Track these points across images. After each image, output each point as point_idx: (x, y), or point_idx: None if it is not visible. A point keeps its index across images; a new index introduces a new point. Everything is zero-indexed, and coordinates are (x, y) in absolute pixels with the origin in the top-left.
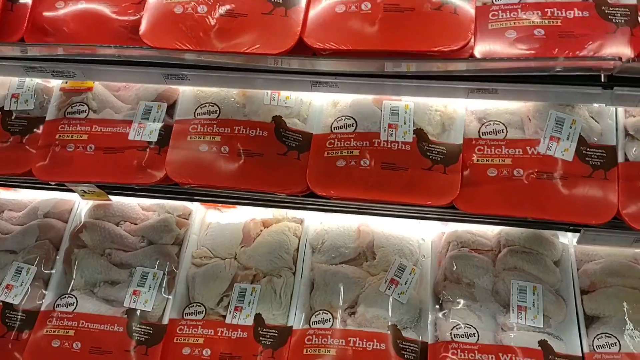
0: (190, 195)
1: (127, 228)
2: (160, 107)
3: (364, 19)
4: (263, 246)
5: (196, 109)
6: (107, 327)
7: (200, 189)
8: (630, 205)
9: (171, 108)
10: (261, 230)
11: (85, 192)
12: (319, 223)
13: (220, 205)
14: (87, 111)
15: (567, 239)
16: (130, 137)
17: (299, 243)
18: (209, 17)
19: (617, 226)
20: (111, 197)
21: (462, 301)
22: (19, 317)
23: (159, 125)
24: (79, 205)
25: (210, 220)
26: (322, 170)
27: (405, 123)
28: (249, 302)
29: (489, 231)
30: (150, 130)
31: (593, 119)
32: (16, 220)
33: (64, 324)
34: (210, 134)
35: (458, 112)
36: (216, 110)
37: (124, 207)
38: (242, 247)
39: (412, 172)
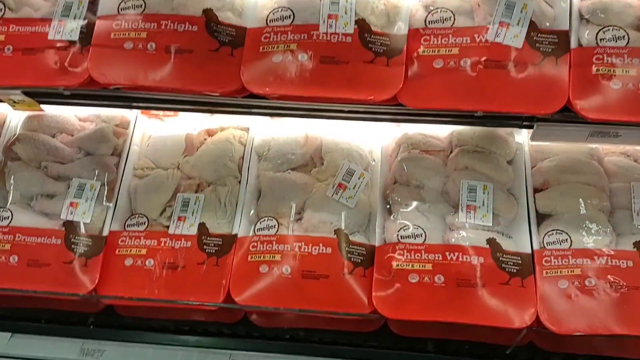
0: (127, 101)
1: (63, 139)
2: (81, 2)
3: None
4: (207, 155)
5: (120, 4)
6: (44, 240)
7: (132, 92)
8: (582, 94)
9: (93, 4)
10: (205, 139)
11: (14, 102)
12: (265, 130)
13: (161, 114)
14: (3, 10)
15: (522, 138)
16: (50, 37)
17: (244, 151)
18: None
19: (571, 119)
20: (44, 106)
21: (410, 203)
22: None
23: (80, 22)
24: (11, 118)
25: (151, 131)
26: (258, 67)
27: (346, 13)
28: (193, 212)
29: (441, 132)
30: (70, 29)
31: (546, 2)
32: None
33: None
34: (135, 30)
35: (403, 0)
36: (141, 4)
37: (59, 118)
38: (185, 156)
39: (354, 66)
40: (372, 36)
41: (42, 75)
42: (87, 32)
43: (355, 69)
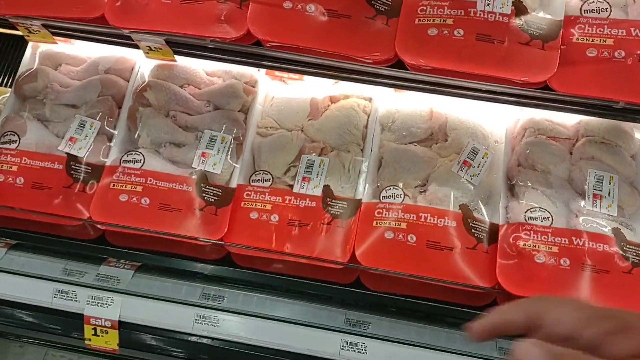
0: (259, 59)
1: (190, 92)
2: None
3: None
4: (331, 120)
5: None
6: (175, 186)
7: (271, 51)
8: None
9: None
10: (328, 105)
11: (151, 49)
12: (389, 102)
13: (286, 77)
14: None
15: None
16: None
17: (367, 120)
18: None
19: None
20: (177, 57)
21: (536, 186)
22: (84, 169)
23: None
24: (140, 65)
25: (274, 93)
26: (412, 38)
27: None
28: (317, 174)
29: (568, 121)
30: None
31: None
32: (75, 75)
33: (132, 179)
34: None
35: None
36: None
37: (188, 70)
38: (309, 119)
39: (509, 46)
40: (528, 18)
41: (201, 25)
42: None
43: (510, 49)
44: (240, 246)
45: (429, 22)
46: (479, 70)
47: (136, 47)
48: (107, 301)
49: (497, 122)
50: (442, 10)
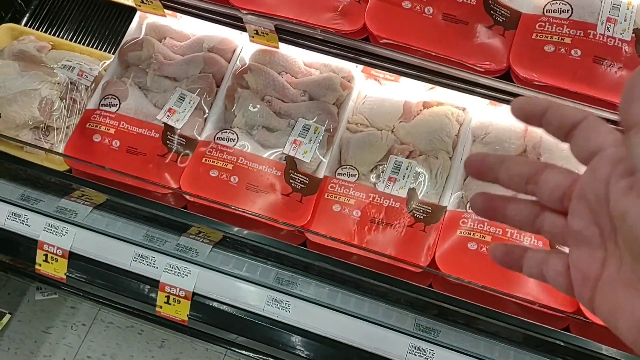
0: (359, 54)
1: (287, 79)
2: None
3: None
4: (423, 125)
5: None
6: (264, 169)
7: (374, 46)
8: None
9: None
10: (421, 110)
11: (257, 33)
12: (483, 114)
13: (381, 76)
14: None
15: None
16: None
17: (460, 129)
18: None
19: None
20: (280, 44)
21: None
22: (177, 140)
23: None
24: (242, 47)
25: (368, 91)
26: (527, 51)
27: (625, 20)
28: (404, 176)
29: None
30: None
31: None
32: (178, 50)
33: (224, 157)
34: None
35: None
36: None
37: (288, 58)
38: (400, 121)
39: (625, 73)
40: None
41: (319, 15)
42: None
43: (626, 76)
44: (322, 235)
45: (546, 39)
46: (592, 92)
47: (242, 29)
48: (184, 271)
49: None
50: (561, 29)
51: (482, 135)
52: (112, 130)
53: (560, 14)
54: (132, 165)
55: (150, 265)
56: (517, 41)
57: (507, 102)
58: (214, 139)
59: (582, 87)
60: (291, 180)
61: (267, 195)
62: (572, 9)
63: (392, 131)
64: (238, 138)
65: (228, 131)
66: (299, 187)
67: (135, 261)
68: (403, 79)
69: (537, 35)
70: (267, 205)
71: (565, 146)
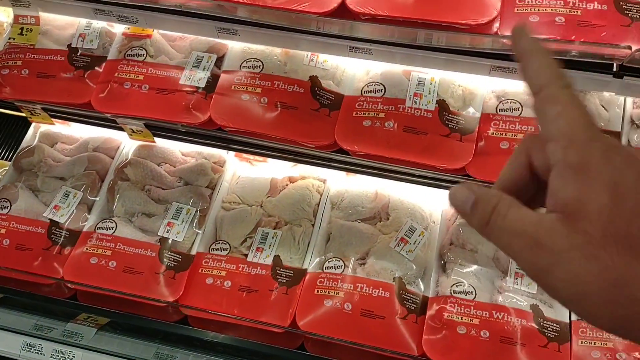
0: (227, 143)
1: (166, 169)
2: (210, 57)
3: None
4: (287, 198)
5: (242, 63)
6: (140, 251)
7: (236, 136)
8: None
9: (220, 60)
10: (287, 185)
11: (133, 131)
12: (340, 183)
13: (252, 159)
14: (144, 55)
15: None
16: (181, 82)
17: (320, 199)
18: None
19: None
20: (156, 139)
21: (464, 263)
22: (63, 234)
23: (207, 73)
24: (125, 144)
25: (241, 172)
26: (349, 127)
27: (429, 93)
28: (270, 245)
29: None
30: (199, 77)
31: (603, 107)
32: (67, 152)
33: (103, 244)
34: (252, 85)
35: (479, 89)
36: (260, 66)
37: (165, 150)
38: (268, 196)
39: (431, 137)
40: (449, 115)
41: (171, 112)
42: (212, 82)
43: (432, 140)
44: (190, 307)
45: (364, 115)
46: (404, 157)
47: (122, 129)
48: (69, 355)
49: (436, 204)
50: (377, 106)
51: (338, 202)
52: (2, 231)
53: (375, 93)
54: (19, 261)
55: (37, 353)
56: (340, 119)
57: (356, 172)
58: (95, 229)
59: (395, 153)
60: (164, 259)
61: (141, 275)
62: (384, 88)
63: (261, 206)
64: (117, 226)
65: (108, 220)
66: (172, 265)
67: (24, 350)
68: (270, 159)
69: (356, 113)
70: (143, 285)
71: (410, 205)
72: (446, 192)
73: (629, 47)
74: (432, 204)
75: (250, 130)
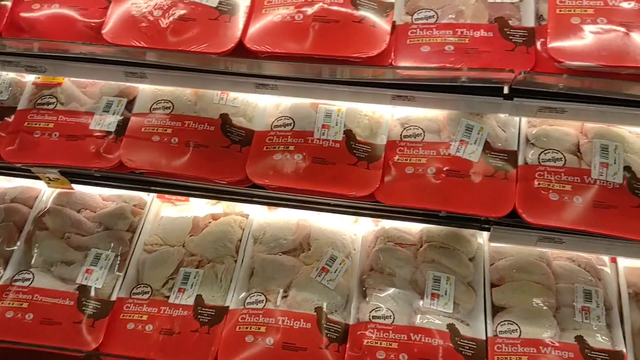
0: (146, 185)
1: (87, 215)
2: (120, 101)
3: (297, 28)
4: (209, 235)
5: (152, 105)
6: (59, 301)
7: (155, 178)
8: (525, 203)
9: (131, 103)
10: (209, 222)
11: (50, 179)
12: (262, 217)
13: (174, 199)
14: (55, 103)
15: (483, 239)
16: (92, 127)
17: (242, 234)
18: (162, 19)
19: (520, 225)
20: (75, 185)
21: (383, 288)
22: None
23: (118, 117)
24: (44, 193)
25: (164, 213)
26: (260, 162)
27: (337, 124)
28: (192, 285)
29: (413, 229)
30: (109, 122)
31: (500, 128)
32: None
33: (19, 297)
34: (163, 126)
35: (384, 117)
36: (170, 107)
37: (85, 196)
38: (190, 236)
39: (339, 167)
40: (356, 144)
41: (81, 157)
42: (122, 125)
43: (340, 170)
44: (109, 355)
45: (274, 149)
46: (314, 187)
47: (40, 178)
48: None
49: (356, 231)
50: (286, 139)
51: (260, 236)
52: None
53: (285, 127)
54: None
55: None
56: (251, 155)
57: (275, 205)
58: (11, 282)
59: (306, 184)
60: (83, 308)
61: (59, 326)
62: (294, 121)
63: (183, 245)
64: (34, 277)
65: (25, 272)
66: (91, 313)
67: None
68: (192, 198)
69: (267, 148)
70: (61, 335)
71: (331, 233)
72: (365, 219)
73: (512, 71)
74: (353, 231)
75: (161, 171)
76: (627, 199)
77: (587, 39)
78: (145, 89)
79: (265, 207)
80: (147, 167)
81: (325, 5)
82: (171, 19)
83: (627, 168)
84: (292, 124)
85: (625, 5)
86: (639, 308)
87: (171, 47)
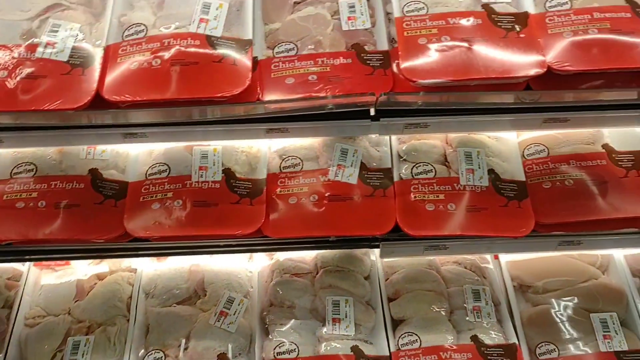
0: (20, 255)
1: None
2: None
3: (156, 73)
4: (97, 298)
5: (12, 170)
6: None
7: (25, 247)
8: (406, 216)
9: None
10: (95, 284)
11: None
12: (152, 269)
13: (53, 264)
14: None
15: (375, 256)
16: None
17: (132, 290)
18: (9, 80)
19: (405, 238)
20: None
21: (285, 322)
22: None
23: None
24: None
25: (43, 281)
26: (139, 214)
27: (214, 164)
28: (83, 354)
29: (307, 256)
30: None
31: (374, 148)
32: None
33: None
34: (27, 191)
35: (262, 151)
36: (33, 169)
37: None
38: (75, 301)
39: (222, 207)
40: (236, 182)
41: None
42: None
43: (223, 210)
44: None
45: (152, 198)
46: (199, 232)
47: None
48: None
49: (251, 269)
50: (163, 186)
51: (152, 289)
52: None
53: (161, 174)
54: None
55: None
56: (128, 208)
57: (166, 255)
58: None
59: (190, 230)
60: None
61: None
62: (169, 167)
63: (69, 313)
64: None
65: None
66: None
67: None
68: (72, 261)
69: (144, 198)
70: None
71: (225, 275)
72: (259, 255)
73: (373, 94)
74: (248, 268)
75: (31, 238)
76: (495, 199)
77: (435, 57)
78: (3, 154)
79: (154, 258)
80: (14, 237)
81: (182, 48)
82: (18, 78)
83: (490, 171)
84: (168, 170)
85: (464, 22)
86: (525, 299)
87: (23, 107)
